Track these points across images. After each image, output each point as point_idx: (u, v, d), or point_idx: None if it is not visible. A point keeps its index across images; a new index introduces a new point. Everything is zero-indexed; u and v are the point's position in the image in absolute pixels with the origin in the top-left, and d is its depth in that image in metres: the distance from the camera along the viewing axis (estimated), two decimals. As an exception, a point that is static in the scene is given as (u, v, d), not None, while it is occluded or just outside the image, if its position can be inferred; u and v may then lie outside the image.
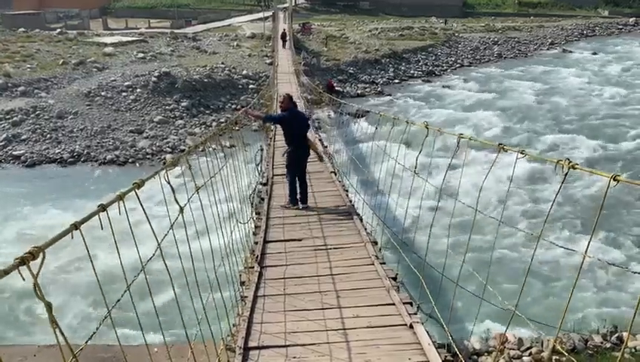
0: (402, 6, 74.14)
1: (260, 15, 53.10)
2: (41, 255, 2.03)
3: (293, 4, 75.26)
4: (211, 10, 69.52)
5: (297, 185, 9.08)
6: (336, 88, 31.82)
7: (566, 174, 3.29)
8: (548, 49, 52.55)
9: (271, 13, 54.23)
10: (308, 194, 9.15)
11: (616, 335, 9.89)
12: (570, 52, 50.36)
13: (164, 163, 19.81)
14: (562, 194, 15.23)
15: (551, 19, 70.86)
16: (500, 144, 4.23)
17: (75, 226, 2.39)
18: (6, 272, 1.83)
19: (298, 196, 9.06)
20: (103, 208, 2.72)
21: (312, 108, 22.50)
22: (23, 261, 1.92)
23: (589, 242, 3.17)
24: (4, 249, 13.33)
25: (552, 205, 3.98)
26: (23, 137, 22.13)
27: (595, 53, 48.72)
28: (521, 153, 3.99)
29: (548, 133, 24.34)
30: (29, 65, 30.79)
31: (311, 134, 10.24)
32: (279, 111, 9.37)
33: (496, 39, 52.87)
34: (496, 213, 13.18)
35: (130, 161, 21.02)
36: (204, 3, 77.96)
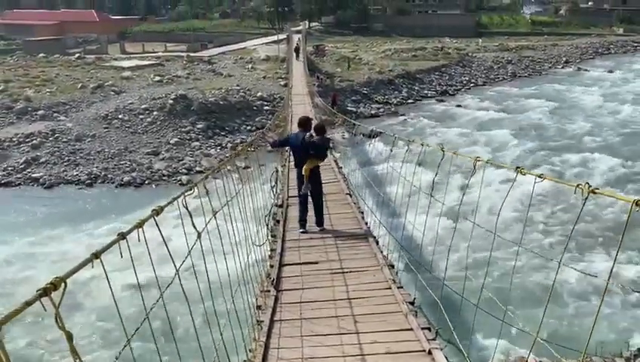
0: (415, 27, 74.62)
1: (275, 38, 53.74)
2: (62, 285, 2.05)
3: (307, 26, 76.21)
4: (226, 33, 70.65)
5: (310, 207, 8.98)
6: (339, 102, 31.73)
7: (586, 199, 3.25)
8: (563, 67, 52.39)
9: (285, 36, 54.88)
10: (324, 216, 9.05)
11: (641, 359, 9.64)
12: (586, 70, 50.14)
13: (181, 184, 20.01)
14: (583, 217, 15.00)
15: (565, 38, 70.71)
16: (518, 167, 4.19)
17: (96, 256, 2.41)
18: (28, 304, 1.85)
19: (313, 219, 8.96)
20: (123, 236, 2.74)
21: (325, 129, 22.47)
22: (45, 292, 1.93)
23: (612, 268, 3.11)
24: (24, 271, 13.47)
25: (573, 230, 3.92)
26: (42, 160, 22.51)
27: (610, 72, 48.43)
28: (539, 177, 3.94)
29: (564, 153, 24.11)
30: (48, 90, 31.46)
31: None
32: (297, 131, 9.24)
33: (510, 58, 52.86)
34: (514, 236, 13.02)
35: (146, 182, 21.24)
36: (220, 27, 79.31)
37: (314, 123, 9.59)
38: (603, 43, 67.23)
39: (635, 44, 68.28)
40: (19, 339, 10.64)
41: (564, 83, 43.29)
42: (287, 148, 11.23)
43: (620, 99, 36.38)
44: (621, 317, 11.11)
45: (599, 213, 16.21)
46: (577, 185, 3.29)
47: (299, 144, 8.82)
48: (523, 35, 73.29)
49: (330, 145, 10.07)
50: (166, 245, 3.38)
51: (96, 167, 22.15)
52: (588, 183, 3.24)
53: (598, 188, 3.23)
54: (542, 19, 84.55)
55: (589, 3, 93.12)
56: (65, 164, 22.42)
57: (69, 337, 2.08)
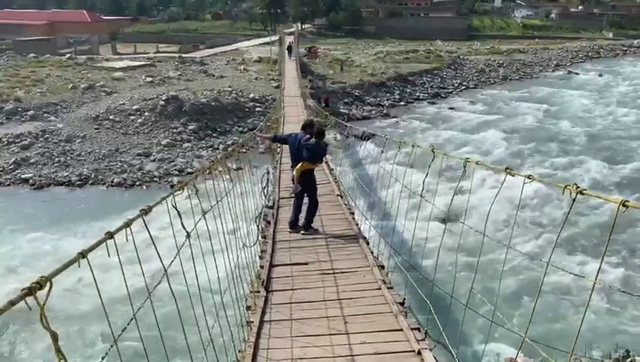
0: (407, 29, 74.98)
1: (267, 39, 53.71)
2: (48, 284, 2.03)
3: (300, 28, 76.28)
4: (219, 34, 70.54)
5: (304, 208, 9.00)
6: (330, 104, 31.88)
7: (574, 199, 3.27)
8: (553, 71, 52.80)
9: (277, 38, 54.85)
10: (312, 220, 9.02)
11: (630, 360, 9.71)
12: (576, 74, 50.57)
13: (172, 185, 19.92)
14: (571, 218, 15.11)
15: (556, 42, 71.32)
16: (507, 168, 4.21)
17: (83, 255, 2.39)
18: (13, 303, 1.83)
19: (301, 221, 8.96)
20: (111, 235, 2.72)
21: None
22: (30, 291, 1.91)
23: (599, 269, 3.13)
24: (11, 273, 13.34)
25: (561, 231, 3.94)
26: (31, 160, 22.32)
27: (600, 75, 48.88)
28: (528, 178, 3.96)
29: (554, 155, 24.29)
30: (38, 90, 31.22)
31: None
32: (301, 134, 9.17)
33: (501, 61, 53.20)
34: (503, 236, 13.09)
35: (137, 183, 21.11)
36: (212, 28, 79.24)
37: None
38: (593, 47, 67.92)
39: (625, 48, 69.07)
40: (3, 340, 10.54)
41: (554, 86, 43.62)
42: (280, 145, 11.23)
43: (609, 102, 36.76)
44: (610, 318, 11.20)
45: (587, 214, 16.33)
46: (566, 186, 3.31)
47: (295, 145, 8.89)
48: (514, 39, 73.86)
49: (327, 150, 9.95)
50: (154, 245, 3.36)
51: (87, 168, 22.00)
52: (576, 184, 3.26)
53: (586, 190, 3.25)
54: (533, 23, 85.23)
55: (580, 7, 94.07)
56: (55, 164, 22.24)
57: (55, 337, 2.06)
